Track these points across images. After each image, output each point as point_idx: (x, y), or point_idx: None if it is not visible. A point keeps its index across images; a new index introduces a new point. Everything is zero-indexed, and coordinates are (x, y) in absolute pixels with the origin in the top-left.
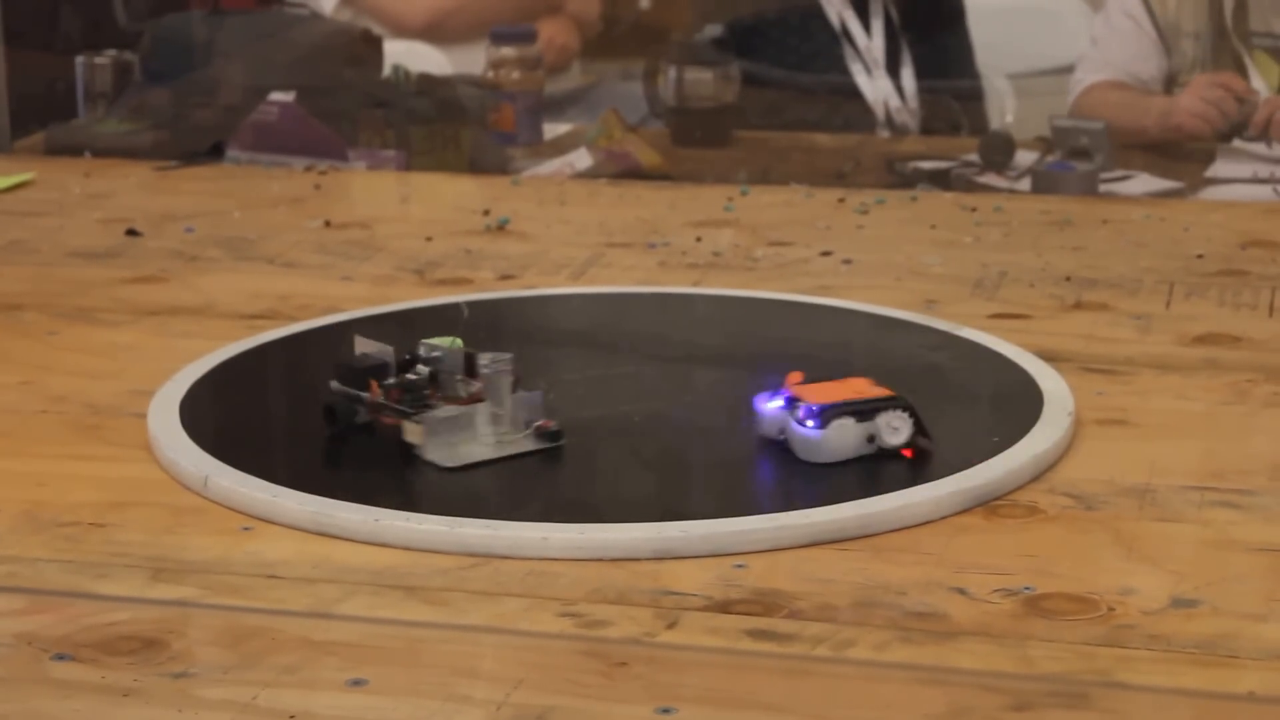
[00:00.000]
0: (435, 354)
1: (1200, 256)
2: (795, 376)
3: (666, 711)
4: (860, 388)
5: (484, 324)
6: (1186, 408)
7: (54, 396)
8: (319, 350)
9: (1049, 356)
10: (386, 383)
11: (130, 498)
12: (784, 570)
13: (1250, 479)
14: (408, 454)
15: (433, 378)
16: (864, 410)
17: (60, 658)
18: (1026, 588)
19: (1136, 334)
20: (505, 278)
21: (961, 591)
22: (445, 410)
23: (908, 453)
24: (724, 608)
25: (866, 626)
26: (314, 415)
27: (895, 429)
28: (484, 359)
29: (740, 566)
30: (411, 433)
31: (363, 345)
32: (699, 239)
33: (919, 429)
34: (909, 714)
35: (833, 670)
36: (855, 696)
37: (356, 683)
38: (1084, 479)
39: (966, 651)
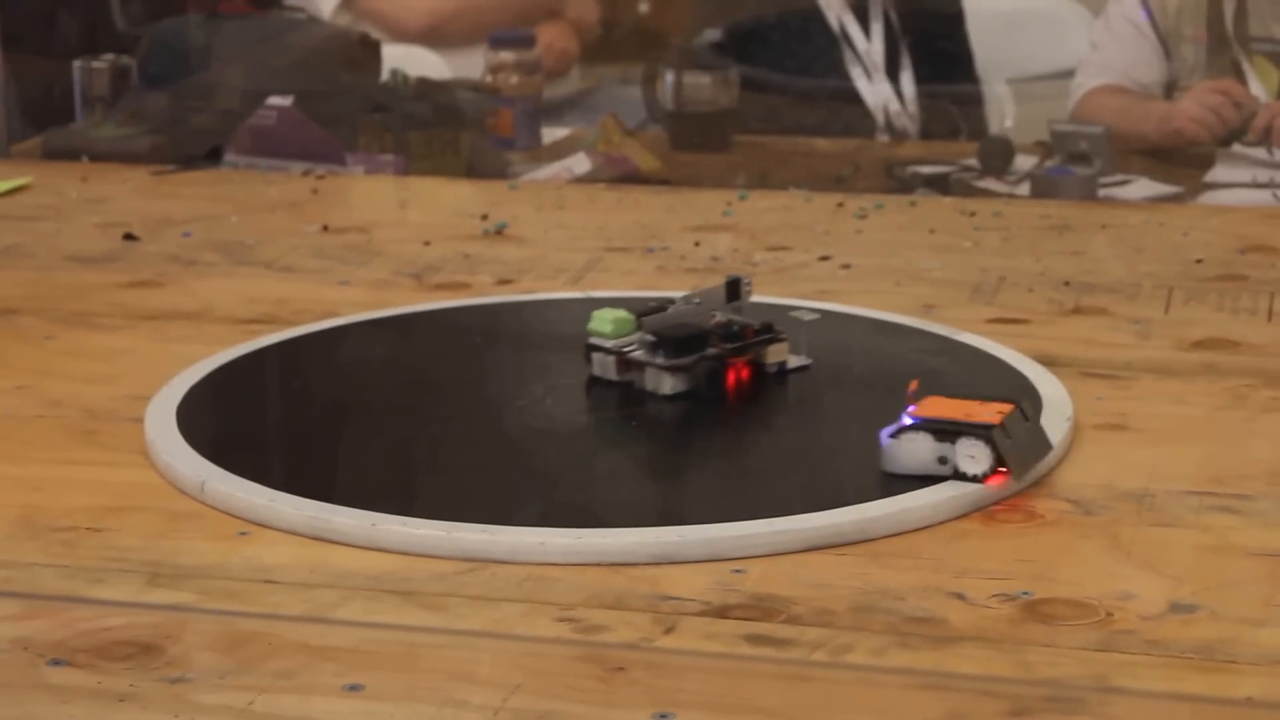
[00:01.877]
0: (695, 302)
1: (1199, 261)
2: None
3: (664, 717)
4: (980, 410)
5: (482, 328)
6: (1185, 413)
7: (51, 401)
8: (316, 355)
9: (1048, 361)
10: (725, 331)
11: (127, 502)
12: (782, 575)
13: (1249, 484)
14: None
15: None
16: (943, 431)
17: (56, 663)
18: (1025, 593)
19: (1135, 339)
20: (503, 282)
21: (960, 596)
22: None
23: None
24: (722, 613)
25: (864, 631)
26: (311, 419)
27: (972, 458)
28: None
29: (738, 571)
30: (778, 352)
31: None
32: (697, 243)
33: (999, 461)
34: (907, 719)
35: (831, 675)
36: (853, 701)
37: (353, 688)
38: (1083, 484)
39: (965, 656)
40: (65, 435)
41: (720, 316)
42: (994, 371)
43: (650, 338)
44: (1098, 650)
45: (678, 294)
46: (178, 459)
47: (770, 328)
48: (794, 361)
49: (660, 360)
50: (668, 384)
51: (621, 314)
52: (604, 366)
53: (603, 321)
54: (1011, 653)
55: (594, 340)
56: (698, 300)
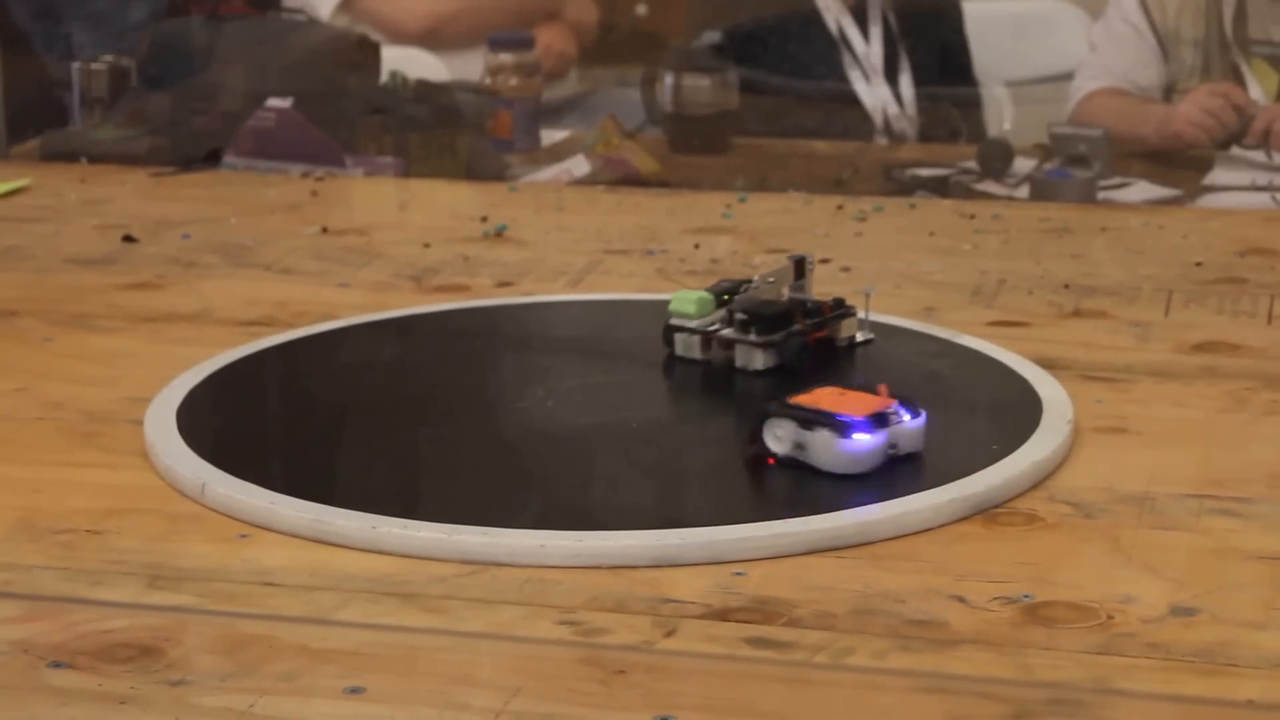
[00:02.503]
0: (769, 280)
1: (1199, 264)
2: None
3: None
4: (854, 397)
5: (482, 331)
6: (1185, 416)
7: (50, 403)
8: (316, 357)
9: (1048, 364)
10: (802, 308)
11: (127, 505)
12: (783, 578)
13: (1249, 487)
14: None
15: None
16: (883, 419)
17: (57, 665)
18: (1026, 596)
19: (1135, 342)
20: (503, 285)
21: (961, 599)
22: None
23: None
24: (723, 615)
25: (865, 634)
26: (311, 422)
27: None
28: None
29: (739, 574)
30: (849, 326)
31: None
32: (697, 246)
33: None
34: None
35: (832, 678)
36: (854, 705)
37: (354, 690)
38: (1083, 487)
39: (966, 659)
40: (65, 437)
41: (787, 295)
42: (994, 374)
43: (742, 315)
44: (1098, 653)
45: (754, 278)
46: (178, 461)
47: (842, 303)
48: (860, 336)
49: (752, 337)
50: (759, 359)
51: (704, 294)
52: (688, 346)
53: (686, 303)
54: (1012, 655)
55: (676, 321)
56: (772, 279)
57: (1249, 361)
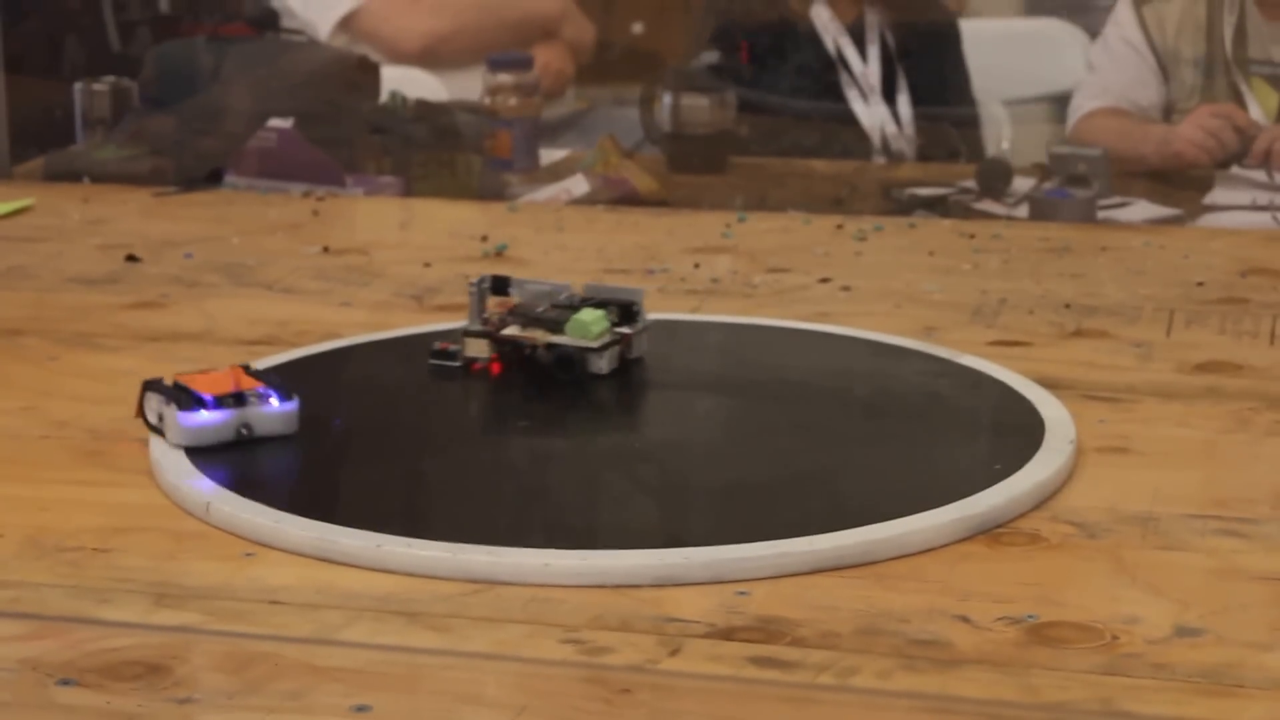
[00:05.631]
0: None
1: (1200, 284)
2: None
3: None
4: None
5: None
6: (1188, 436)
7: (55, 422)
8: (319, 376)
9: (1050, 384)
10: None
11: (132, 523)
12: (787, 597)
13: (1253, 508)
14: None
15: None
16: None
17: (64, 683)
18: (1030, 616)
19: (1137, 362)
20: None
21: (965, 619)
22: None
23: None
24: (727, 635)
25: (870, 654)
26: (315, 440)
27: None
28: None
29: (743, 594)
30: None
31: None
32: (697, 265)
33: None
34: None
35: (836, 698)
36: None
37: (360, 709)
38: (1086, 507)
39: (970, 680)
40: (71, 456)
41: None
42: (996, 394)
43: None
44: (1104, 674)
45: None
46: (183, 480)
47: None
48: None
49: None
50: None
51: (599, 312)
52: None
53: (599, 322)
54: (1017, 676)
55: (581, 343)
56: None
57: (1251, 382)
